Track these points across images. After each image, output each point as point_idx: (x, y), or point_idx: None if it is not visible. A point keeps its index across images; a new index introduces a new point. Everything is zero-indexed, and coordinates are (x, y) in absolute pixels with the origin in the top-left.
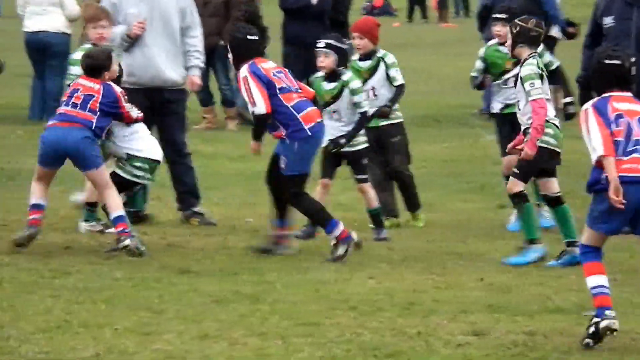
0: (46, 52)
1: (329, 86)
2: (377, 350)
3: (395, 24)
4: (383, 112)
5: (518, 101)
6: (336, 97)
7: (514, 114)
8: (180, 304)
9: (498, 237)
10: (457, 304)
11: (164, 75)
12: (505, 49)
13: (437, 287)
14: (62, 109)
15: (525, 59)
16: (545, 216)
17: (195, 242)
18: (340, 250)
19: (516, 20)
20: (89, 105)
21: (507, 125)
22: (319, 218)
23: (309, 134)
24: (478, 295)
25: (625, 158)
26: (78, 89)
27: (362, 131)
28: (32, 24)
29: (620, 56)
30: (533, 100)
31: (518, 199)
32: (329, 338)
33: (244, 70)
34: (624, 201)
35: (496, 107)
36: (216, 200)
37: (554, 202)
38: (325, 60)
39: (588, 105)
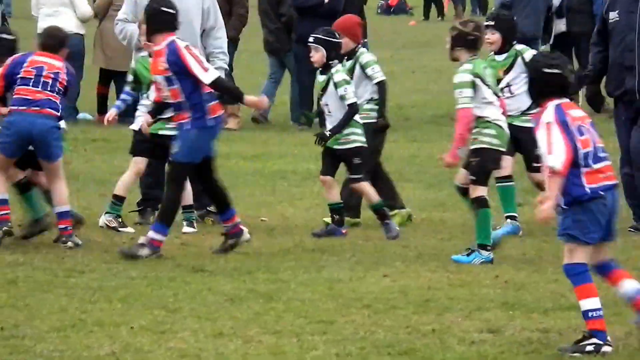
0: None
1: (320, 79)
2: (391, 347)
3: (411, 22)
4: (381, 125)
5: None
6: (324, 89)
7: (510, 123)
8: (194, 302)
9: (513, 235)
10: (471, 301)
11: None
12: (500, 57)
13: (451, 284)
14: (27, 90)
15: (463, 64)
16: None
17: (209, 241)
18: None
19: (455, 24)
20: (57, 84)
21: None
22: (168, 215)
23: (211, 124)
24: (493, 292)
25: (596, 166)
26: (42, 67)
27: (359, 129)
28: (45, 25)
29: (560, 64)
30: (458, 109)
31: (478, 203)
32: (344, 336)
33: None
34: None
35: None
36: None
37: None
38: (315, 55)
39: (550, 118)
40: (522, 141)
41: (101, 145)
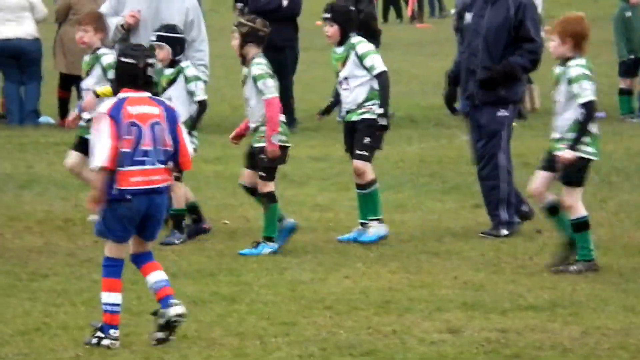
0: (21, 59)
1: (339, 50)
2: (352, 348)
3: None
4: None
5: (248, 99)
6: (170, 84)
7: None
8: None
9: (473, 236)
10: (431, 302)
11: None
12: (339, 50)
13: (411, 285)
14: None
15: (254, 58)
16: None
17: (171, 245)
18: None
19: (243, 20)
20: None
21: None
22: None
23: None
24: (452, 293)
25: (133, 169)
26: None
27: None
28: (5, 30)
29: (137, 55)
30: (266, 98)
31: (267, 198)
32: (306, 337)
33: None
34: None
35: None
36: None
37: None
38: (161, 53)
39: (104, 109)
40: (357, 132)
41: (63, 149)
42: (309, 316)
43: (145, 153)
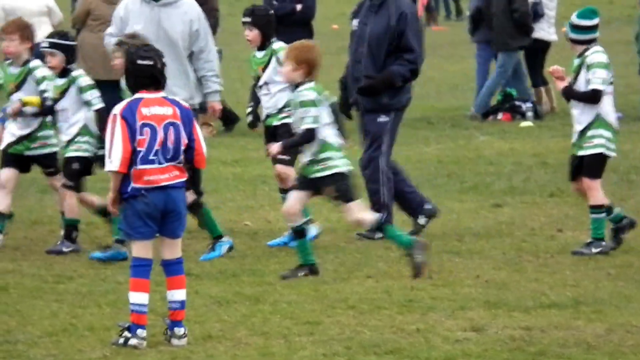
0: None
1: (59, 82)
2: (377, 347)
3: None
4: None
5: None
6: (62, 93)
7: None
8: None
9: (494, 235)
10: (454, 300)
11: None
12: (260, 54)
13: (434, 284)
14: None
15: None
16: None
17: (194, 245)
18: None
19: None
20: None
21: None
22: None
23: None
24: (475, 292)
25: (147, 167)
26: None
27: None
28: None
29: (152, 57)
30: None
31: (195, 207)
32: (330, 336)
33: None
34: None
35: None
36: (214, 204)
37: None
38: (53, 60)
39: (117, 110)
40: (278, 137)
41: None
42: (332, 315)
43: (157, 152)
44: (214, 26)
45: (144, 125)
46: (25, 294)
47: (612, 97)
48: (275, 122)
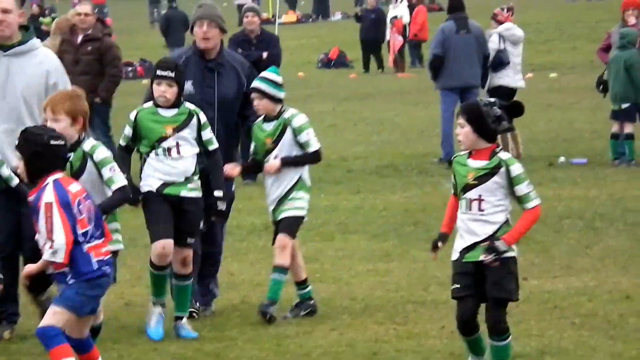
0: None
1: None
2: None
3: (351, 75)
4: None
5: None
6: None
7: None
8: None
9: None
10: (419, 352)
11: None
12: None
13: (399, 336)
14: None
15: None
16: None
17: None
18: None
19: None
20: None
21: None
22: None
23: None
24: (440, 343)
25: (98, 242)
26: None
27: None
28: None
29: (59, 135)
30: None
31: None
32: None
33: None
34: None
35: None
36: None
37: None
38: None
39: (51, 198)
40: (187, 212)
41: None
42: None
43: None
44: (116, 76)
45: (77, 203)
46: None
47: None
48: (184, 193)
